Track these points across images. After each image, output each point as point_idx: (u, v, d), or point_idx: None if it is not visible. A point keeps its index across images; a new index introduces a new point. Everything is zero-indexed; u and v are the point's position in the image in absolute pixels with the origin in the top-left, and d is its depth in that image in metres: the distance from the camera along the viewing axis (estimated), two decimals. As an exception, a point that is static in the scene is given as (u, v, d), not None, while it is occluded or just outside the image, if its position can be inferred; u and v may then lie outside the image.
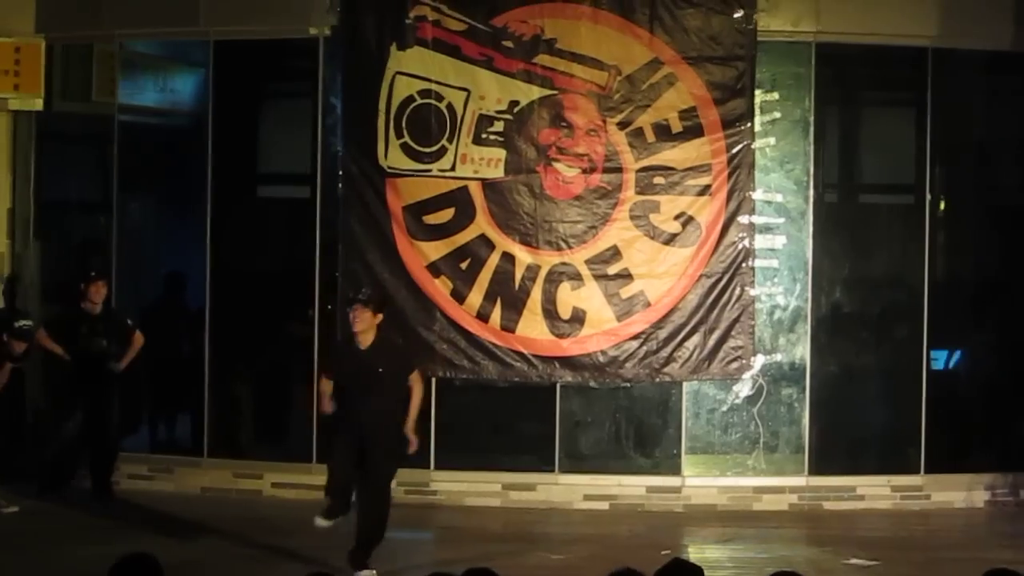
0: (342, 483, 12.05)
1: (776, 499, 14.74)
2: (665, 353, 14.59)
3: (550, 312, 14.64)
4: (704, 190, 14.55)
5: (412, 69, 14.70)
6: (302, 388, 14.94)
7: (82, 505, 14.19)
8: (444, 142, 14.67)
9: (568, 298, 14.64)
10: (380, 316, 12.02)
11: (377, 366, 11.86)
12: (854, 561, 12.37)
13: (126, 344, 14.67)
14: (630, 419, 14.91)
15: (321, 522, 12.12)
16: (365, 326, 11.86)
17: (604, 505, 14.73)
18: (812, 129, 14.78)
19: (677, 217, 14.58)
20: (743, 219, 14.58)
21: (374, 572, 11.77)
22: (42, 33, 15.41)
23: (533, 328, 14.65)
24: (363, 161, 14.75)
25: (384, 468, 12.08)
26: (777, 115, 14.72)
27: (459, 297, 14.67)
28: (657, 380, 14.65)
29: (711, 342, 14.61)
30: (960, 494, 14.90)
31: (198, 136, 15.31)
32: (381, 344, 11.99)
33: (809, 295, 14.78)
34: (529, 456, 14.82)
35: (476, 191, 14.68)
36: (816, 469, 14.75)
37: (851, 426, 14.95)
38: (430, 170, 14.70)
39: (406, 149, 14.71)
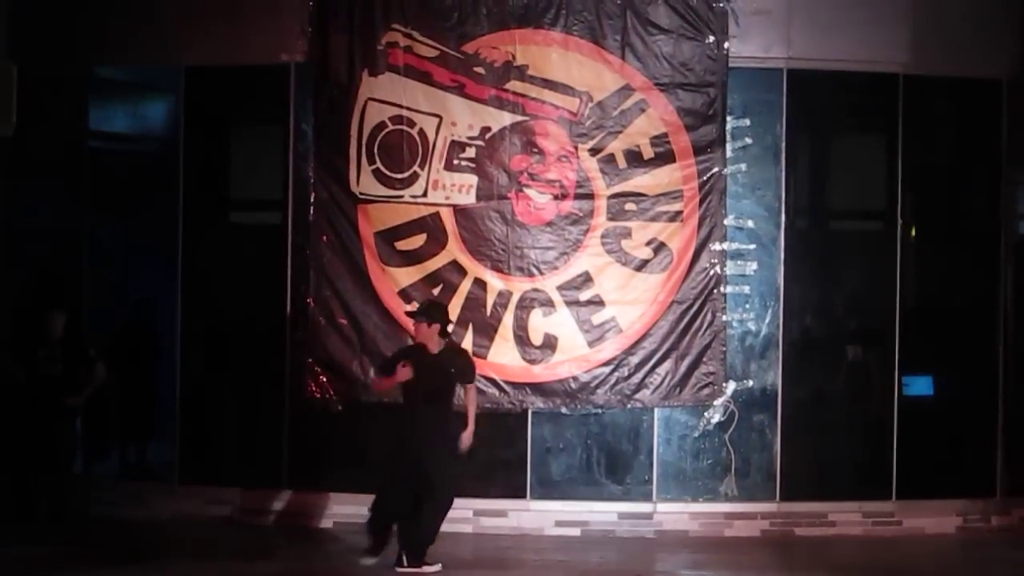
0: (389, 515, 12.75)
1: (747, 525, 14.75)
2: (637, 379, 14.62)
3: (522, 338, 14.64)
4: (675, 216, 14.57)
5: (384, 95, 14.73)
6: (274, 413, 14.94)
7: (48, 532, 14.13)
8: (416, 168, 14.68)
9: (540, 324, 14.65)
10: (437, 326, 12.78)
11: (449, 367, 12.74)
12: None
13: (87, 373, 14.69)
14: (601, 445, 14.88)
15: (369, 560, 12.81)
16: (424, 337, 12.73)
17: (575, 531, 14.71)
18: (783, 155, 14.82)
19: (648, 243, 14.60)
20: (714, 245, 14.61)
21: (439, 565, 12.64)
22: (13, 60, 15.34)
23: (504, 354, 14.65)
24: (334, 187, 14.76)
25: (447, 475, 12.67)
26: (748, 141, 14.75)
27: (430, 324, 14.65)
28: (629, 406, 14.66)
29: (682, 368, 14.63)
30: (931, 520, 14.94)
31: (169, 162, 15.29)
32: (449, 350, 12.85)
33: (780, 321, 14.80)
34: (500, 482, 14.79)
35: (447, 217, 14.68)
36: (787, 495, 14.76)
37: (822, 452, 14.94)
38: (402, 196, 14.71)
39: (377, 175, 14.73)
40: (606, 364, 14.61)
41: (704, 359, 14.65)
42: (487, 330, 14.64)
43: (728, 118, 14.67)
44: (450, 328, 13.19)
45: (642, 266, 14.62)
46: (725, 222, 14.64)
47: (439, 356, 12.70)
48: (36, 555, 13.02)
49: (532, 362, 14.61)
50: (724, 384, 14.68)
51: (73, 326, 14.98)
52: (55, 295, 15.09)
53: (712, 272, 14.61)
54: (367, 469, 13.98)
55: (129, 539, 14.10)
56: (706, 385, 14.66)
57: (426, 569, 12.58)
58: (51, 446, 14.67)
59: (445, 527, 14.44)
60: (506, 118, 14.65)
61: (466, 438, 12.90)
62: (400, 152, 14.69)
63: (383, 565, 12.67)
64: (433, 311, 12.97)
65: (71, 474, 15.05)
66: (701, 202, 14.60)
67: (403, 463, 12.62)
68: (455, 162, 14.67)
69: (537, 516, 14.75)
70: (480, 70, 14.64)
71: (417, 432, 12.50)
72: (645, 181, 14.59)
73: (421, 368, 12.61)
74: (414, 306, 13.30)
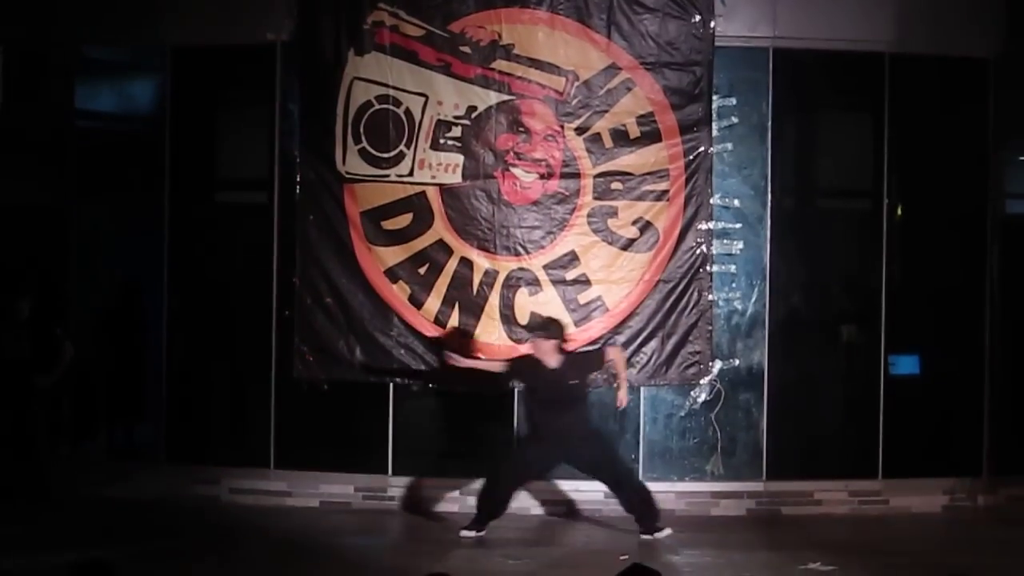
0: (503, 496, 13.31)
1: (734, 504, 14.77)
2: (623, 358, 14.62)
3: (508, 317, 14.64)
4: (662, 195, 14.56)
5: (370, 75, 14.70)
6: (260, 393, 14.95)
7: (33, 512, 14.14)
8: (402, 148, 14.66)
9: (526, 304, 14.64)
10: (555, 342, 13.17)
11: (568, 379, 12.95)
12: (811, 566, 12.35)
13: (53, 354, 14.70)
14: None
15: (470, 533, 13.32)
16: (542, 353, 13.05)
17: (562, 510, 14.73)
18: (770, 134, 14.80)
19: (635, 222, 14.58)
20: (701, 224, 14.60)
21: (670, 529, 13.33)
22: (-1, 39, 15.41)
23: (491, 333, 14.64)
24: (320, 167, 14.74)
25: (617, 462, 13.49)
26: (735, 120, 14.74)
27: (417, 303, 14.67)
28: (615, 385, 14.64)
29: (669, 347, 14.64)
30: (918, 499, 14.95)
31: (155, 142, 15.25)
32: (568, 361, 13.08)
33: (767, 300, 14.80)
34: (487, 461, 14.73)
35: (434, 196, 14.67)
36: (774, 474, 14.77)
37: (809, 431, 14.95)
38: (388, 175, 14.69)
39: (364, 155, 14.71)
40: (592, 343, 14.59)
41: (690, 338, 14.65)
42: (473, 309, 14.64)
43: (714, 97, 14.64)
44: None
45: (628, 245, 14.61)
46: (711, 201, 14.62)
47: (557, 371, 12.79)
48: (18, 535, 13.05)
49: (518, 341, 14.58)
50: (710, 363, 14.69)
51: (41, 307, 14.97)
52: (20, 277, 15.10)
53: (698, 251, 14.61)
54: (353, 448, 14.09)
55: (115, 518, 14.07)
56: (692, 364, 14.66)
57: (660, 535, 13.28)
58: (22, 430, 14.68)
59: (432, 506, 14.63)
60: (492, 97, 14.62)
61: (622, 398, 13.42)
62: (386, 131, 14.67)
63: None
64: (552, 327, 13.24)
65: (52, 455, 15.04)
66: (687, 181, 14.59)
67: (535, 453, 12.91)
68: (441, 141, 14.65)
69: (523, 495, 14.72)
70: (466, 49, 14.62)
71: (558, 435, 12.80)
72: (631, 160, 14.58)
73: (540, 382, 12.96)
74: (535, 324, 13.52)
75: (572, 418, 13.11)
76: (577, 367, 13.37)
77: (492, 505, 13.46)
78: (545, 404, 13.12)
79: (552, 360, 13.06)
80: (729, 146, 14.72)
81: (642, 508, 13.48)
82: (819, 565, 12.31)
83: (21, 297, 14.86)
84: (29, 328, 14.79)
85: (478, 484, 13.89)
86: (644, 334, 14.62)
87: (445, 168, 14.66)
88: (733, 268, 14.76)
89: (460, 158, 14.64)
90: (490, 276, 14.63)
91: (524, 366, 13.38)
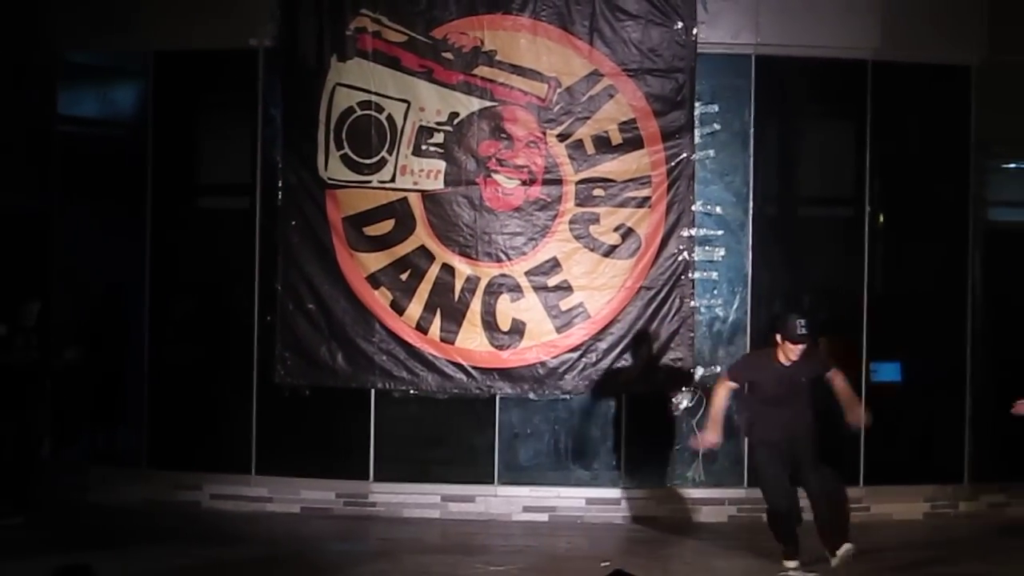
0: (785, 501, 12.44)
1: (715, 511, 14.78)
2: (605, 365, 14.62)
3: (490, 324, 14.64)
4: (644, 202, 14.57)
5: (352, 81, 14.70)
6: (242, 398, 14.94)
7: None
8: (384, 154, 14.66)
9: (508, 310, 14.65)
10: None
11: (800, 376, 12.35)
12: (791, 573, 12.37)
13: (57, 359, 14.73)
14: (569, 431, 14.92)
15: (792, 563, 12.52)
16: (803, 354, 12.25)
17: (543, 517, 14.73)
18: (752, 141, 14.81)
19: (617, 229, 14.59)
20: (683, 231, 14.62)
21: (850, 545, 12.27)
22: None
23: (472, 340, 14.65)
24: (303, 172, 14.74)
25: (824, 467, 12.49)
26: (717, 127, 14.75)
27: (399, 309, 14.67)
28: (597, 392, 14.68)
29: (651, 354, 14.63)
30: (899, 506, 14.96)
31: (138, 147, 15.22)
32: (803, 357, 12.32)
33: (749, 307, 14.81)
34: (468, 468, 14.80)
35: (416, 203, 14.67)
36: (755, 481, 14.68)
37: (790, 438, 14.93)
38: (370, 181, 14.69)
39: (346, 160, 14.70)
40: (574, 350, 14.61)
41: (672, 345, 14.66)
42: (455, 315, 14.64)
43: (696, 104, 14.65)
44: None
45: (610, 252, 14.61)
46: (693, 208, 14.64)
47: (793, 366, 12.33)
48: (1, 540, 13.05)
49: (500, 347, 14.61)
50: (692, 370, 14.69)
51: (44, 312, 14.97)
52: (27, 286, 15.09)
53: (680, 258, 14.62)
54: (334, 455, 14.08)
55: (97, 524, 14.08)
56: (674, 371, 14.66)
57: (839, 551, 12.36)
58: (25, 433, 14.66)
59: (413, 512, 14.65)
60: (474, 103, 14.63)
61: (856, 416, 12.87)
62: (368, 137, 14.67)
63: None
64: (815, 329, 12.70)
65: (40, 461, 15.07)
66: (669, 188, 14.59)
67: (769, 454, 12.51)
68: (423, 147, 14.66)
69: (505, 502, 14.76)
70: (449, 55, 14.62)
71: (783, 432, 12.37)
72: (613, 167, 14.58)
73: (770, 379, 12.43)
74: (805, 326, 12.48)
75: (795, 411, 12.47)
76: (809, 365, 12.58)
77: (780, 523, 12.66)
78: (771, 402, 12.56)
79: (795, 357, 12.36)
80: (711, 153, 14.74)
81: (844, 525, 12.51)
82: (799, 570, 12.33)
83: (30, 301, 14.78)
84: (37, 333, 14.72)
85: (458, 490, 13.96)
86: (626, 341, 14.63)
87: (427, 174, 14.66)
88: (715, 275, 14.77)
89: (442, 164, 14.65)
90: (472, 282, 14.63)
91: (760, 364, 12.73)
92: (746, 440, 13.23)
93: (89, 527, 13.93)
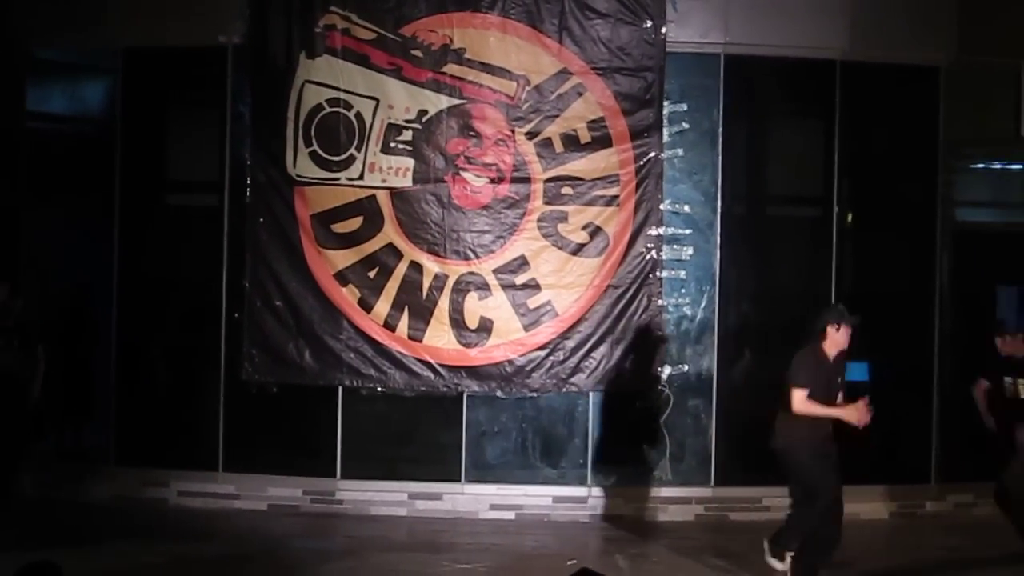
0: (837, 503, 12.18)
1: (682, 509, 14.79)
2: (572, 363, 14.64)
3: (457, 322, 14.64)
4: (612, 200, 14.58)
5: (321, 78, 14.69)
6: (210, 395, 14.92)
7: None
8: (353, 151, 14.65)
9: (475, 308, 14.65)
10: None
11: (841, 374, 12.15)
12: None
13: (32, 358, 14.58)
14: (536, 429, 14.93)
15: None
16: (840, 345, 11.98)
17: (510, 515, 14.74)
18: (720, 140, 14.83)
19: (585, 227, 14.60)
20: (651, 230, 14.63)
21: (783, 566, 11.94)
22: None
23: (440, 338, 14.65)
24: (271, 169, 14.72)
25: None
26: (685, 126, 14.77)
27: (366, 306, 14.66)
28: (564, 390, 14.68)
29: (618, 352, 14.65)
30: (867, 506, 14.92)
31: (107, 144, 15.19)
32: (840, 353, 12.12)
33: (716, 306, 14.84)
34: (435, 466, 14.80)
35: (384, 200, 14.66)
36: (722, 480, 14.80)
37: (757, 437, 14.74)
38: (338, 179, 14.68)
39: (315, 157, 14.70)
40: (542, 348, 14.62)
41: (640, 343, 14.65)
42: (423, 313, 14.63)
43: (665, 103, 14.69)
44: None
45: (578, 250, 14.62)
46: (662, 207, 14.67)
47: (836, 363, 12.12)
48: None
49: (468, 346, 14.61)
50: (660, 368, 14.70)
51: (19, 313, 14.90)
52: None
53: (648, 257, 14.63)
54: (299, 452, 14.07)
55: (65, 521, 14.05)
56: (642, 369, 14.67)
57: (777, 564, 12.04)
58: (4, 430, 14.60)
59: (380, 510, 14.64)
60: (443, 101, 14.64)
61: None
62: (337, 135, 14.67)
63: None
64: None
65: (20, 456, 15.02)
66: (638, 187, 14.61)
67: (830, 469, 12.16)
68: (392, 145, 14.65)
69: (472, 499, 14.76)
70: (418, 53, 14.62)
71: (829, 429, 12.07)
72: (582, 165, 14.59)
73: (821, 377, 12.02)
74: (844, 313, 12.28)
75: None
76: (843, 362, 12.35)
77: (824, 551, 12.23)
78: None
79: (836, 350, 12.10)
80: (680, 152, 14.76)
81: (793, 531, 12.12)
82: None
83: (15, 296, 14.64)
84: (16, 335, 14.57)
85: (425, 488, 13.96)
86: (593, 339, 14.64)
87: (396, 172, 14.65)
88: (683, 274, 14.80)
89: (411, 162, 14.64)
90: (440, 280, 14.63)
91: (817, 361, 12.12)
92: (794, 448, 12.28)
93: (56, 524, 13.91)
